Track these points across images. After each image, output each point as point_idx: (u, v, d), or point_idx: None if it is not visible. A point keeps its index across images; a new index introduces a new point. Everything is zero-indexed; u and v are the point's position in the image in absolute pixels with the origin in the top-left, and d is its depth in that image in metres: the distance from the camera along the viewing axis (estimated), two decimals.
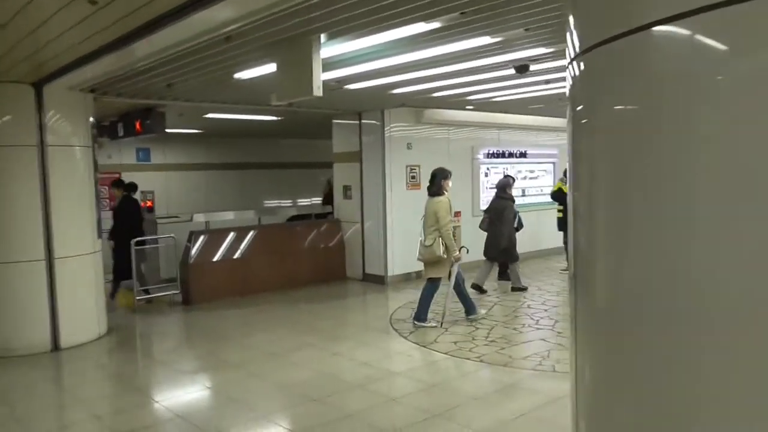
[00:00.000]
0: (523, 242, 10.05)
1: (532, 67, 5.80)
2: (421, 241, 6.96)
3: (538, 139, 12.35)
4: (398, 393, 5.14)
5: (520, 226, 9.70)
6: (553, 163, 12.50)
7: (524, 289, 9.03)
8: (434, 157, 10.35)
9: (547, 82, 7.09)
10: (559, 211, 10.57)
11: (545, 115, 11.69)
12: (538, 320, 7.29)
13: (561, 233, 10.65)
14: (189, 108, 9.25)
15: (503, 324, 7.17)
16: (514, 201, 9.06)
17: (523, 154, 11.97)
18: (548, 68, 6.16)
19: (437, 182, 6.99)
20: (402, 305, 8.22)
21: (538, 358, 5.83)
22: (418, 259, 7.07)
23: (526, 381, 5.30)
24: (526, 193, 12.01)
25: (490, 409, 4.75)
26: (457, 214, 10.66)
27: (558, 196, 10.59)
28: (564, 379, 5.32)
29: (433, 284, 7.08)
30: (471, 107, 9.96)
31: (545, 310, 7.79)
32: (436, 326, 7.00)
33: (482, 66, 5.99)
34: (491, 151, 11.41)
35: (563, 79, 7.26)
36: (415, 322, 7.08)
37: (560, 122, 12.40)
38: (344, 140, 10.53)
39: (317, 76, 4.75)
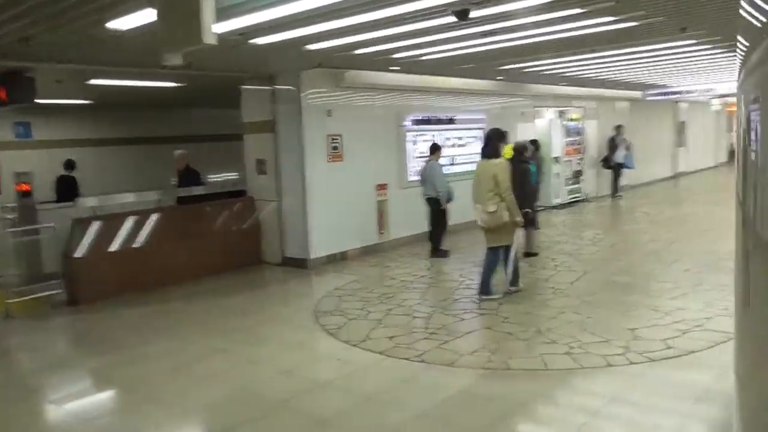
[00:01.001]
0: (454, 213, 9.34)
1: (473, 13, 4.90)
2: (479, 208, 6.41)
3: (466, 104, 11.60)
4: (328, 411, 4.23)
5: (450, 198, 8.96)
6: (482, 128, 11.79)
7: (535, 254, 8.66)
8: (357, 125, 9.39)
9: (485, 34, 6.23)
10: None
11: (474, 77, 10.92)
12: (479, 302, 6.56)
13: None
14: (65, 72, 7.79)
15: (442, 310, 6.38)
16: (529, 163, 8.17)
17: (451, 120, 11.18)
18: (491, 15, 5.29)
19: (493, 144, 6.53)
20: (328, 293, 7.28)
21: (486, 353, 5.06)
22: (481, 227, 6.52)
23: (478, 385, 4.51)
24: (456, 162, 11.27)
25: (443, 429, 3.93)
26: (383, 186, 9.85)
27: None
28: (521, 378, 4.58)
29: (495, 253, 6.57)
30: (397, 68, 9.00)
31: None
32: (500, 297, 6.57)
33: (414, 12, 5.03)
34: (418, 118, 10.54)
35: (505, 30, 6.59)
36: (482, 297, 6.55)
37: (488, 85, 11.68)
38: (255, 108, 9.33)
39: (208, 18, 3.65)
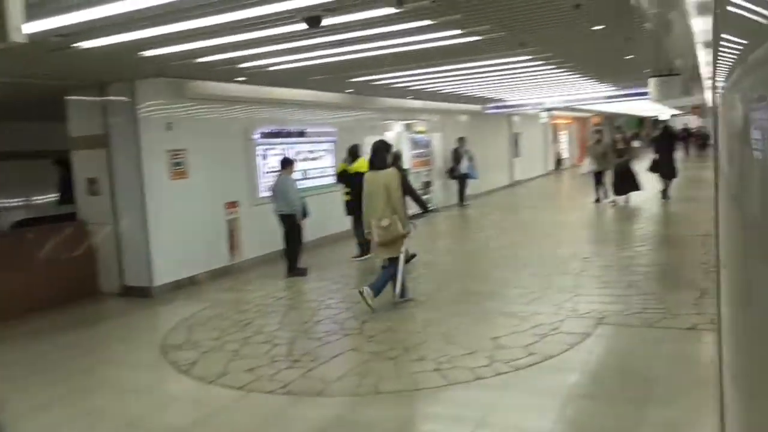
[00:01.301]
0: (309, 230, 9.05)
1: (326, 21, 4.66)
2: (375, 223, 6.36)
3: (316, 117, 11.37)
4: None
5: (305, 213, 8.67)
6: (333, 142, 11.64)
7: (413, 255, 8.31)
8: (203, 139, 8.76)
9: (335, 44, 6.03)
10: (345, 194, 9.74)
11: (324, 90, 10.74)
12: (342, 323, 6.31)
13: (350, 218, 9.87)
14: None
15: (305, 334, 6.04)
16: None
17: (301, 134, 10.88)
18: (342, 24, 5.09)
19: (381, 154, 6.55)
20: (176, 325, 6.61)
21: (355, 378, 4.81)
22: (378, 243, 6.45)
23: (351, 414, 4.24)
24: (308, 176, 10.99)
25: None
26: (233, 204, 9.29)
27: (343, 177, 9.75)
28: (394, 402, 4.38)
29: (395, 264, 6.53)
30: (244, 79, 8.53)
31: (346, 308, 6.84)
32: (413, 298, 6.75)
33: (261, 18, 4.68)
34: (268, 131, 10.12)
35: (359, 40, 6.46)
36: (400, 300, 6.61)
37: (339, 98, 11.56)
38: (84, 121, 8.34)
39: (14, 12, 3.04)
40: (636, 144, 32.22)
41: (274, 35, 5.37)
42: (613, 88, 14.68)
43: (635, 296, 6.45)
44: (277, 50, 6.25)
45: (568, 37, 6.86)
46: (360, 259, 9.56)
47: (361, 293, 6.46)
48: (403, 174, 7.49)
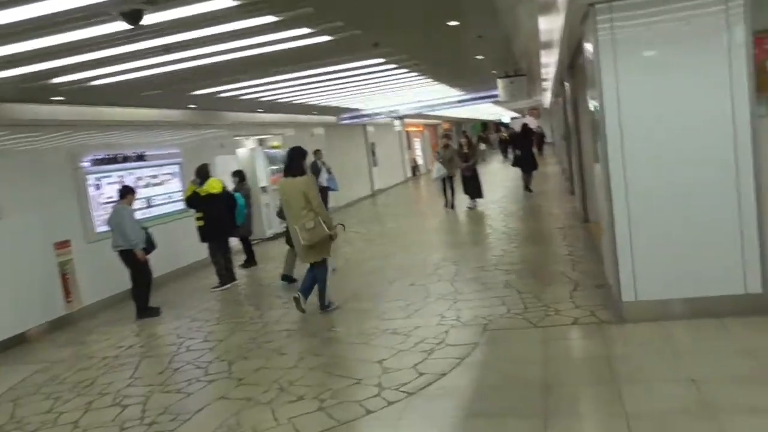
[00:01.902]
0: (158, 263, 8.07)
1: (149, 19, 3.91)
2: (298, 228, 6.37)
3: (157, 138, 10.29)
4: None
5: (152, 246, 7.70)
6: (179, 164, 10.61)
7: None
8: (18, 172, 7.45)
9: (169, 48, 5.23)
10: (198, 219, 8.83)
11: (163, 107, 9.73)
12: (206, 367, 5.49)
13: (205, 245, 8.96)
14: None
15: (162, 388, 5.14)
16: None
17: (141, 157, 9.76)
18: (172, 22, 4.34)
19: (297, 162, 6.55)
20: None
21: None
22: (304, 247, 6.43)
23: None
24: (152, 203, 9.89)
25: None
26: (64, 244, 8.00)
27: (193, 201, 8.83)
28: None
29: (322, 267, 6.65)
30: (61, 98, 7.37)
31: (210, 349, 6.02)
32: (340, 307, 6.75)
33: (68, 14, 3.82)
34: (100, 157, 8.91)
35: (191, 43, 5.56)
36: (326, 310, 6.67)
37: (181, 115, 10.57)
38: None
39: None
40: (482, 147, 33.75)
41: (87, 39, 4.48)
42: (463, 93, 14.96)
43: (514, 296, 6.28)
44: (94, 60, 5.30)
45: (423, 35, 6.59)
46: (221, 289, 8.70)
47: (296, 299, 6.59)
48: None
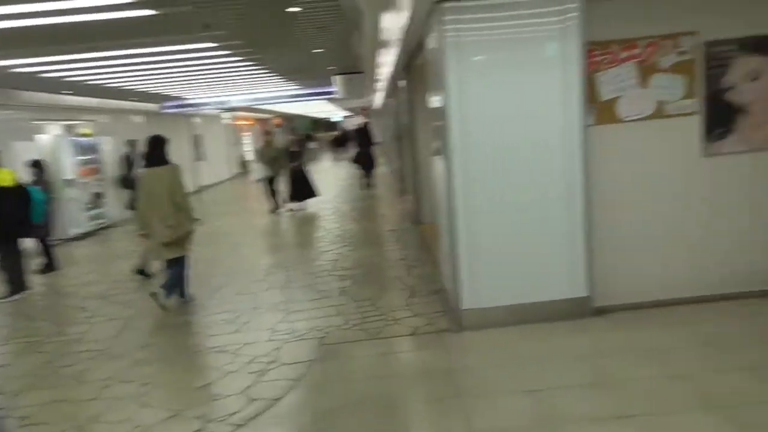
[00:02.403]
0: None
1: None
2: (159, 223, 5.94)
3: None
4: None
5: None
6: None
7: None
8: None
9: None
10: None
11: None
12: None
13: None
14: None
15: None
16: None
17: None
18: None
19: (159, 151, 6.16)
20: None
21: None
22: (162, 244, 6.01)
23: None
24: None
25: None
26: None
27: None
28: None
29: (180, 264, 6.28)
30: None
31: None
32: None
33: None
34: None
35: None
36: (186, 300, 6.44)
37: None
38: None
39: None
40: (312, 146, 33.43)
41: None
42: (299, 87, 14.47)
43: (350, 305, 5.97)
44: None
45: (260, 20, 6.02)
46: (10, 300, 7.37)
47: (154, 295, 6.15)
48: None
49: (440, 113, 4.83)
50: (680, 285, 5.04)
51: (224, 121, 21.99)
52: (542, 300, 4.86)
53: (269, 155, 13.02)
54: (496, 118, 4.69)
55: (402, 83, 10.45)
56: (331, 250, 8.77)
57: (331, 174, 22.84)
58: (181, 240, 6.16)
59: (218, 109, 17.21)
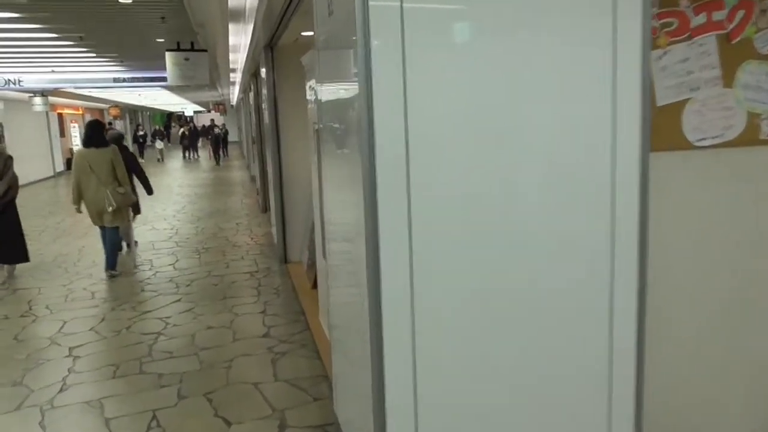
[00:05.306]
0: None
1: None
2: (105, 192, 6.74)
3: None
4: None
5: None
6: None
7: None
8: None
9: None
10: None
11: None
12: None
13: None
14: None
15: None
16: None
17: None
18: None
19: (99, 133, 7.02)
20: None
21: None
22: (110, 210, 6.79)
23: None
24: None
25: None
26: None
27: None
28: None
29: (117, 230, 7.07)
30: None
31: None
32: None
33: None
34: None
35: None
36: (112, 272, 7.03)
37: None
38: None
39: None
40: (159, 145, 28.97)
41: None
42: (122, 68, 11.07)
43: None
44: None
45: None
46: None
47: (113, 276, 6.98)
48: (133, 154, 8.32)
49: (352, 115, 2.23)
50: None
51: (37, 108, 17.55)
52: None
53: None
54: (473, 131, 2.14)
55: (263, 70, 7.71)
56: (156, 310, 5.80)
57: (178, 179, 19.30)
58: (122, 210, 7.00)
59: (18, 91, 13.07)
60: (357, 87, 2.03)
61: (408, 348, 2.14)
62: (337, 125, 2.61)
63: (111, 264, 7.01)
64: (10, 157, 6.92)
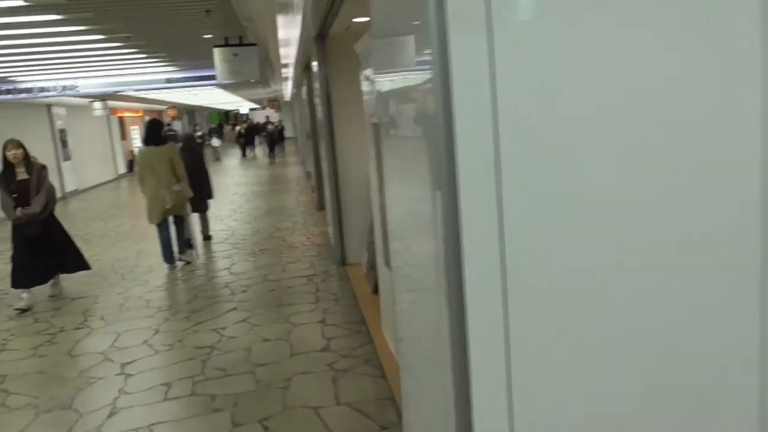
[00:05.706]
0: None
1: None
2: (164, 190, 7.06)
3: None
4: None
5: None
6: None
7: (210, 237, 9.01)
8: None
9: None
10: None
11: None
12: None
13: None
14: None
15: None
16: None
17: None
18: None
19: (158, 133, 7.30)
20: None
21: None
22: (167, 208, 7.15)
23: None
24: None
25: None
26: None
27: None
28: None
29: (184, 222, 7.64)
30: None
31: None
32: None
33: None
34: None
35: None
36: (181, 258, 7.56)
37: None
38: None
39: None
40: (215, 143, 29.13)
41: None
42: (174, 69, 10.96)
43: None
44: None
45: None
46: None
47: (185, 262, 7.56)
48: (202, 154, 8.86)
49: (422, 105, 1.78)
50: None
51: (97, 112, 17.86)
52: None
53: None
54: (594, 121, 1.65)
55: (315, 63, 7.35)
56: (210, 320, 5.53)
57: (235, 178, 19.33)
58: (181, 204, 7.40)
59: (70, 95, 13.12)
60: (431, 72, 1.57)
61: (501, 367, 1.65)
62: (402, 117, 2.16)
63: (170, 258, 7.36)
64: (44, 167, 6.26)
